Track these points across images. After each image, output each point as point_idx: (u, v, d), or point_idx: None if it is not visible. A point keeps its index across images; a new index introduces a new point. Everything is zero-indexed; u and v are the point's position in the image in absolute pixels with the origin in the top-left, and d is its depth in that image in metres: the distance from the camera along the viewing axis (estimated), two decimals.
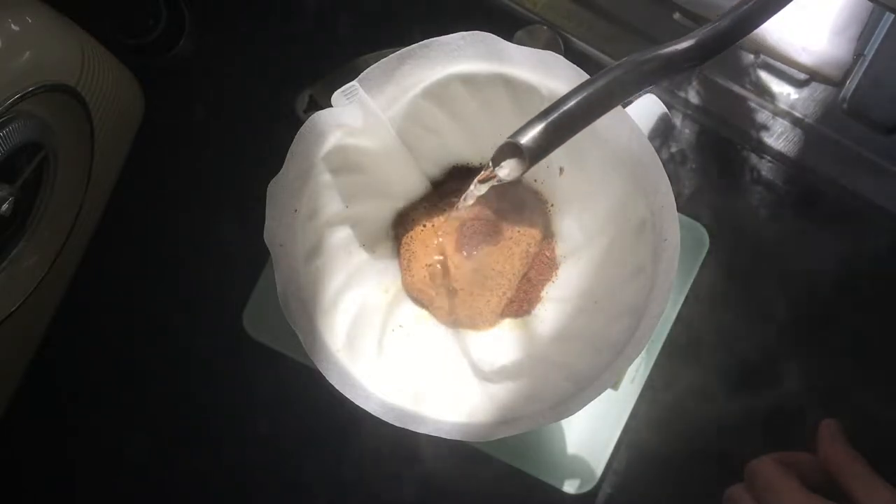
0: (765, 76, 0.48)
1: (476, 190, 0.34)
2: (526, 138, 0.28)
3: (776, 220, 0.49)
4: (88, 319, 0.52)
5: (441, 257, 0.42)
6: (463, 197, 0.36)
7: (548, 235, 0.42)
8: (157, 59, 0.51)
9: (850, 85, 0.47)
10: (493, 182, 0.32)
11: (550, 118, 0.28)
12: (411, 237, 0.42)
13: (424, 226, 0.42)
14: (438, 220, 0.42)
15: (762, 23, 0.30)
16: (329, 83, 0.47)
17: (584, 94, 0.28)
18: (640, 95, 0.42)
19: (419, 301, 0.42)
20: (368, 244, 0.41)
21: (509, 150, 0.29)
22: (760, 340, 0.48)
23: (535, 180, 0.42)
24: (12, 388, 0.50)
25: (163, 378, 0.52)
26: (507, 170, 0.29)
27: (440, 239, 0.42)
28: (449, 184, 0.42)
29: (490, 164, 0.30)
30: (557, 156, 0.39)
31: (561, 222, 0.42)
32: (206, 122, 0.52)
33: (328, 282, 0.39)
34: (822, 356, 0.48)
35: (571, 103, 0.28)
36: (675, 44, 0.29)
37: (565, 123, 0.28)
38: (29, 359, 0.50)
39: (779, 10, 0.29)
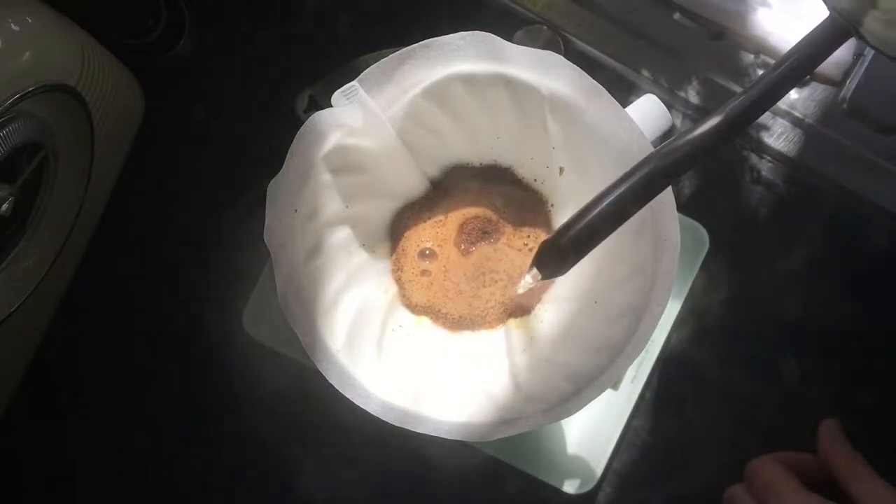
0: None
1: (521, 288, 0.36)
2: (564, 240, 0.29)
3: (776, 220, 0.49)
4: (88, 319, 0.52)
5: (439, 257, 0.42)
6: (518, 287, 0.37)
7: (548, 235, 0.42)
8: (157, 59, 0.51)
9: (850, 85, 0.47)
10: (535, 283, 0.33)
11: (584, 221, 0.29)
12: (409, 237, 0.42)
13: (424, 225, 0.42)
14: (438, 220, 0.42)
15: (790, 90, 0.30)
16: (329, 83, 0.47)
17: (618, 192, 0.29)
18: (640, 96, 0.42)
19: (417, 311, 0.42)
20: (368, 244, 0.41)
21: (550, 250, 0.30)
22: (761, 340, 0.48)
23: (535, 180, 0.42)
24: (12, 388, 0.50)
25: (163, 378, 0.52)
26: (548, 270, 0.31)
27: (440, 239, 0.42)
28: (448, 183, 0.42)
29: (532, 265, 0.32)
30: (558, 156, 0.40)
31: (561, 222, 0.42)
32: (206, 122, 0.52)
33: (328, 282, 0.39)
34: (823, 355, 0.48)
35: (605, 203, 0.29)
36: (701, 125, 0.29)
37: (600, 225, 0.29)
38: (29, 359, 0.50)
39: (805, 76, 0.30)
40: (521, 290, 0.36)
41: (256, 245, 0.36)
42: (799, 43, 0.29)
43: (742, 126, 0.29)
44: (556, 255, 0.29)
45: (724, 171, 0.49)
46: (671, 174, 0.29)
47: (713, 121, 0.29)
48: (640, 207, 0.30)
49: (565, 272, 0.30)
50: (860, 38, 0.28)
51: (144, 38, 0.50)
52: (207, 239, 0.51)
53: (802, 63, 0.29)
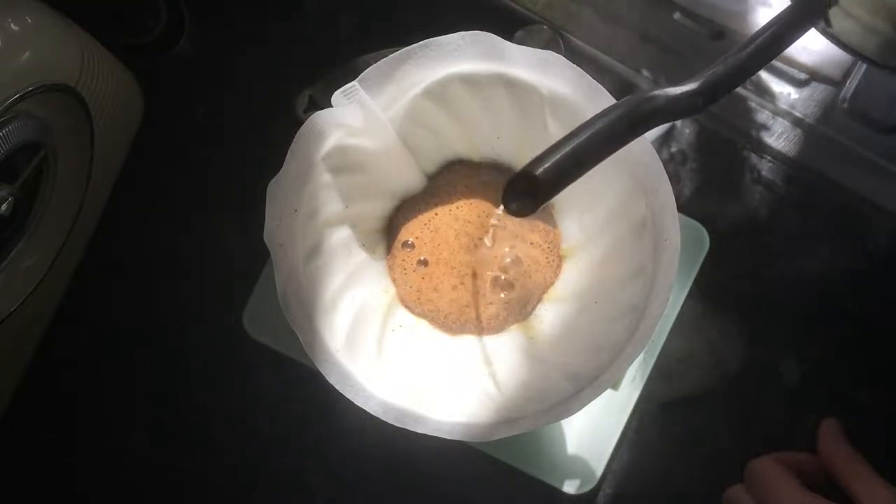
0: (765, 76, 0.48)
1: (488, 240, 0.36)
2: (535, 173, 0.27)
3: (776, 220, 0.49)
4: (88, 319, 0.52)
5: (436, 255, 0.42)
6: (486, 239, 0.38)
7: (549, 235, 0.42)
8: (157, 59, 0.51)
9: (850, 85, 0.47)
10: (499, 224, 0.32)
11: (549, 161, 0.28)
12: (407, 235, 0.42)
13: (422, 224, 0.42)
14: (436, 218, 0.42)
15: (769, 61, 0.30)
16: (329, 83, 0.47)
17: (585, 135, 0.28)
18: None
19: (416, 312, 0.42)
20: (368, 244, 0.41)
21: (518, 187, 0.29)
22: (761, 340, 0.48)
23: None
24: (12, 388, 0.50)
25: (163, 378, 0.52)
26: (516, 206, 0.29)
27: (437, 237, 0.42)
28: (447, 181, 0.42)
29: (501, 203, 0.30)
30: None
31: (561, 222, 0.42)
32: (206, 122, 0.52)
33: (328, 282, 0.39)
34: (823, 355, 0.48)
35: (570, 147, 0.28)
36: (680, 86, 0.29)
37: (566, 166, 0.28)
38: (29, 359, 0.50)
39: (782, 49, 0.30)
40: (487, 242, 0.36)
41: (256, 245, 0.36)
42: (770, 21, 0.30)
43: (721, 93, 0.29)
44: (527, 192, 0.29)
45: (724, 171, 0.49)
46: (638, 129, 0.29)
47: (693, 83, 0.29)
48: (608, 155, 0.29)
49: (533, 211, 0.29)
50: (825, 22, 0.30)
51: (144, 38, 0.50)
52: (207, 239, 0.51)
53: (778, 36, 0.30)
